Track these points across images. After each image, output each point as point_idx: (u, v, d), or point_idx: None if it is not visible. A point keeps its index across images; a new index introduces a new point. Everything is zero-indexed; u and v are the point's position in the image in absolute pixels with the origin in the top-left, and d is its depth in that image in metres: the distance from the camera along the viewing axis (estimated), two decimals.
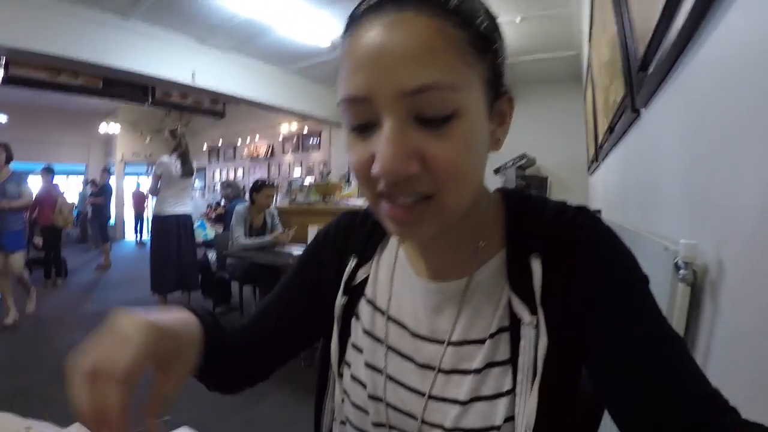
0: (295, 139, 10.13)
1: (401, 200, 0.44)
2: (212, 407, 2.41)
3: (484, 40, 0.44)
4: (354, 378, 0.59)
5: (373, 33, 0.41)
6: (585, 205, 0.53)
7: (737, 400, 0.38)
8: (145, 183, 12.10)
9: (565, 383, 0.49)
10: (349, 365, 0.61)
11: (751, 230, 0.53)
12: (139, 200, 11.60)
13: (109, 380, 0.37)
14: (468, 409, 0.50)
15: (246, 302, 4.27)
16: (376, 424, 0.56)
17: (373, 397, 0.57)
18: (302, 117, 8.12)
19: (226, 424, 2.42)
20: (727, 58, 0.60)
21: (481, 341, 0.52)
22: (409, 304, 0.59)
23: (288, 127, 9.89)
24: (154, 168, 4.22)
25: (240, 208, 3.92)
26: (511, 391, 0.48)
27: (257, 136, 10.96)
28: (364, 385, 0.58)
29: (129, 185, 12.37)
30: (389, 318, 0.59)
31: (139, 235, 11.69)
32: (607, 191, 2.52)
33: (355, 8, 0.45)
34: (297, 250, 3.61)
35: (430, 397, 0.53)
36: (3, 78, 6.33)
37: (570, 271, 0.49)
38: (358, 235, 0.66)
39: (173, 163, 4.11)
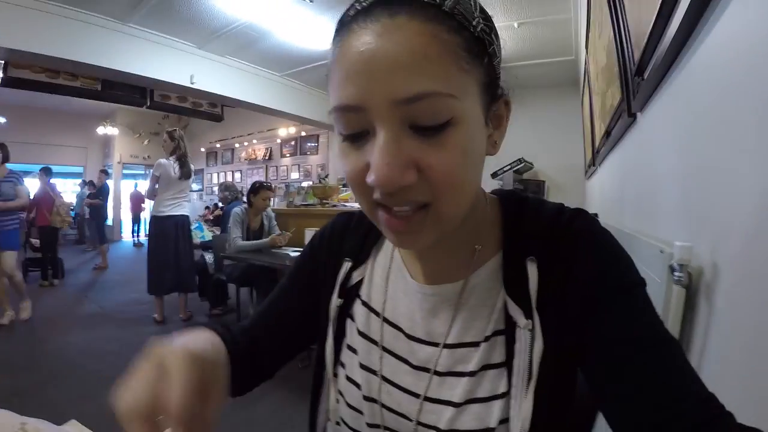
0: (293, 143, 10.15)
1: (398, 209, 0.43)
2: None
3: (480, 43, 0.42)
4: (349, 379, 0.59)
5: (365, 39, 0.40)
6: (582, 208, 0.53)
7: (731, 402, 0.38)
8: (144, 185, 12.10)
9: (560, 386, 0.49)
10: (344, 366, 0.61)
11: (746, 233, 0.53)
12: (137, 202, 11.57)
13: (168, 420, 0.35)
14: (463, 411, 0.50)
15: (243, 304, 4.26)
16: (371, 425, 0.56)
17: (368, 398, 0.57)
18: (300, 121, 8.12)
19: (222, 424, 2.40)
20: (721, 62, 0.61)
21: (477, 344, 0.52)
22: (404, 306, 0.59)
23: (286, 131, 9.91)
24: (152, 170, 4.21)
25: (237, 210, 3.92)
26: (506, 394, 0.48)
27: (255, 139, 10.96)
28: (359, 386, 0.58)
29: (126, 187, 12.34)
30: (384, 320, 0.59)
31: (136, 236, 11.66)
32: (604, 195, 2.53)
33: (345, 12, 0.44)
34: (294, 253, 3.60)
35: (425, 398, 0.53)
36: (2, 80, 6.32)
37: (567, 274, 0.48)
38: (353, 237, 0.66)
39: (171, 165, 4.11)
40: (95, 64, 4.65)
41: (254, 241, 3.84)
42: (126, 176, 12.42)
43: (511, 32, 4.45)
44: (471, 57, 0.41)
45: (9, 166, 4.13)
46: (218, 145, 12.19)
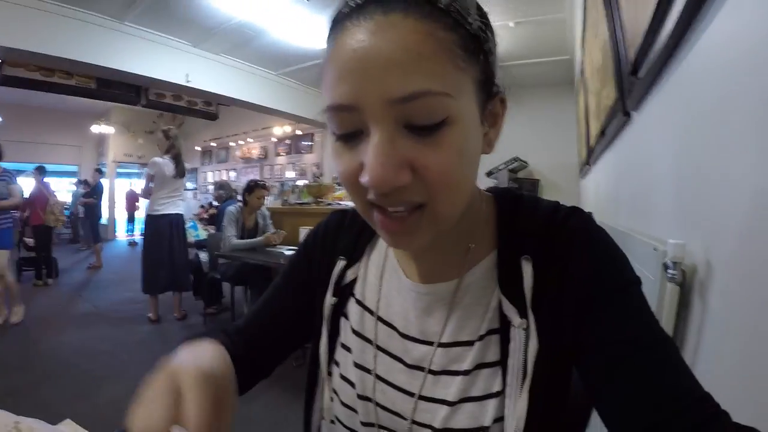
0: (288, 141, 10.12)
1: (393, 210, 0.43)
2: None
3: (476, 40, 0.42)
4: (343, 377, 0.59)
5: (358, 38, 0.39)
6: (578, 206, 0.53)
7: (726, 400, 0.38)
8: (138, 184, 12.05)
9: (555, 385, 0.49)
10: (338, 365, 0.61)
11: (739, 230, 0.53)
12: (131, 201, 11.51)
13: None
14: (457, 410, 0.50)
15: (237, 303, 4.25)
16: (366, 424, 0.56)
17: (363, 397, 0.57)
18: (295, 119, 8.11)
19: None
20: (716, 62, 0.61)
21: (471, 343, 0.51)
22: (398, 304, 0.58)
23: (281, 130, 9.88)
24: (146, 168, 4.19)
25: (232, 208, 3.92)
26: (501, 393, 0.48)
27: (250, 138, 10.93)
28: (353, 385, 0.58)
29: (121, 186, 12.27)
30: (379, 318, 0.59)
31: (130, 235, 11.60)
32: (599, 194, 2.54)
33: (339, 9, 0.43)
34: (288, 251, 3.61)
35: (420, 397, 0.53)
36: None
37: (562, 273, 0.48)
38: (347, 236, 0.66)
39: (166, 164, 4.09)
40: (91, 62, 4.65)
41: (249, 240, 3.84)
42: (120, 175, 12.34)
43: (506, 32, 4.45)
44: (467, 55, 0.41)
45: (2, 164, 4.09)
46: (213, 144, 12.13)
